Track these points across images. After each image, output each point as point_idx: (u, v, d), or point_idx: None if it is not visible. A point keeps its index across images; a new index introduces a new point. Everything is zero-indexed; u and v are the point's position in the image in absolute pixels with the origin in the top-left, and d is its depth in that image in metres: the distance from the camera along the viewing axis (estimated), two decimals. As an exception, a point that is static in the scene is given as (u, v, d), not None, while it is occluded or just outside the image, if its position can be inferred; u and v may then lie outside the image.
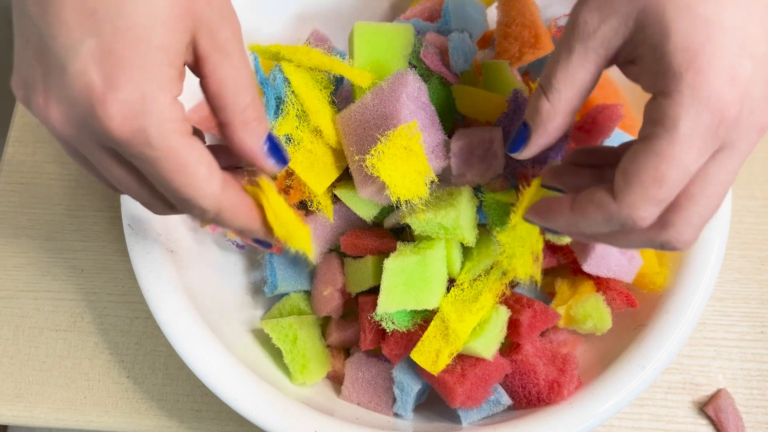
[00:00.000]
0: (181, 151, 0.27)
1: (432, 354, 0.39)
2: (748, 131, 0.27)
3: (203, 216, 0.30)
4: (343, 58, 0.48)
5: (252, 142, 0.31)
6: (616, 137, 0.44)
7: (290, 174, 0.43)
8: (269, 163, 0.32)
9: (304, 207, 0.44)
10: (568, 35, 0.30)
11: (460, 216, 0.39)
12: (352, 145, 0.41)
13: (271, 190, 0.33)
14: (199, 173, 0.28)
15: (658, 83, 0.27)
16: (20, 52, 0.27)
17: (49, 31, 0.25)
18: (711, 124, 0.26)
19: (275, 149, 0.32)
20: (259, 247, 0.36)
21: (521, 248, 0.39)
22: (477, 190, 0.43)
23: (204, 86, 0.29)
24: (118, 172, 0.29)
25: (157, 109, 0.26)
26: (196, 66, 0.29)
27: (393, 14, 0.54)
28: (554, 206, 0.32)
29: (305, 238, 0.36)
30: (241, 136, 0.30)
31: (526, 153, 0.33)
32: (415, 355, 0.40)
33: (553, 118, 0.31)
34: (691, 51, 0.26)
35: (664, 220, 0.29)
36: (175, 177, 0.27)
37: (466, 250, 0.42)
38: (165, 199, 0.30)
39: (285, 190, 0.43)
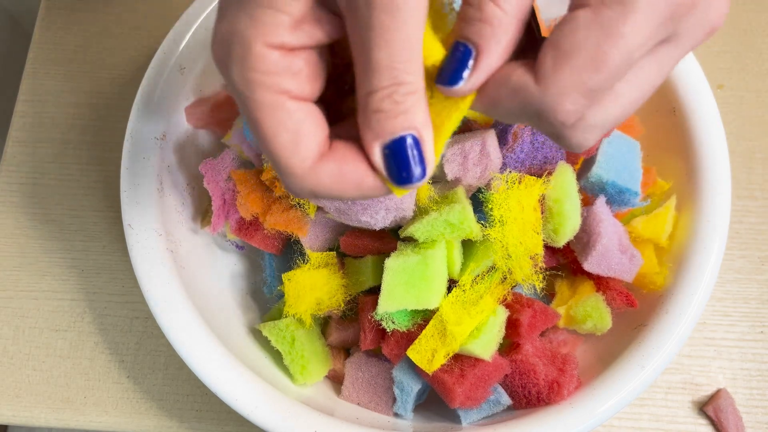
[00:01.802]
0: (261, 107, 0.24)
1: (428, 353, 0.39)
2: (696, 26, 0.24)
3: (302, 194, 0.26)
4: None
5: (368, 139, 0.24)
6: (614, 138, 0.44)
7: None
8: (383, 176, 0.25)
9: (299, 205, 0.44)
10: None
11: (466, 208, 0.39)
12: None
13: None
14: (279, 139, 0.24)
15: None
16: None
17: None
18: (667, 6, 0.23)
19: (400, 159, 0.24)
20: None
21: (517, 249, 0.39)
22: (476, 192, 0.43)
23: None
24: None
25: (240, 54, 0.23)
26: None
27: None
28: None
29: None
30: (360, 123, 0.25)
31: (473, 81, 0.24)
32: (412, 353, 0.40)
33: (509, 29, 0.24)
34: None
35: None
36: (256, 133, 0.25)
37: (466, 251, 0.42)
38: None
39: (272, 183, 0.43)
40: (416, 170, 0.25)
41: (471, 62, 0.24)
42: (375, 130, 0.24)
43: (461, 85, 0.24)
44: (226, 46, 0.24)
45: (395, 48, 0.23)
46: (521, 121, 0.26)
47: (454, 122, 0.26)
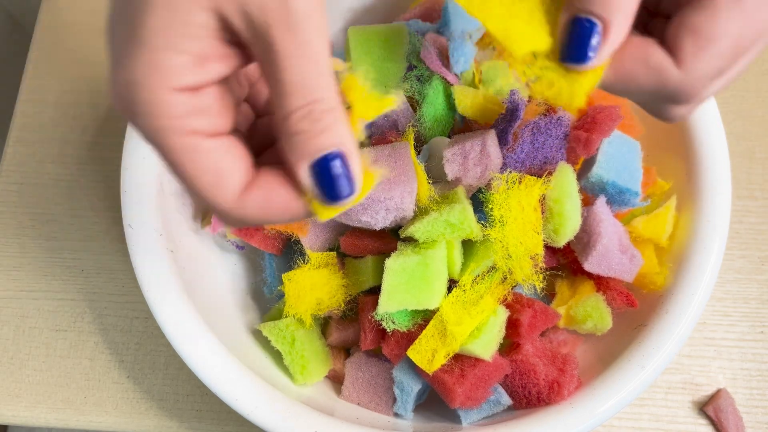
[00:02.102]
0: (177, 152, 0.23)
1: (428, 353, 0.39)
2: None
3: (229, 225, 0.26)
4: (343, 60, 0.48)
5: (292, 161, 0.24)
6: (615, 138, 0.44)
7: None
8: (312, 195, 0.24)
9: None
10: None
11: (466, 208, 0.39)
12: None
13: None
14: (200, 181, 0.24)
15: None
16: None
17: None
18: None
19: (327, 178, 0.24)
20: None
21: (517, 250, 0.39)
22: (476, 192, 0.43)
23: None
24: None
25: (144, 103, 0.22)
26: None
27: (393, 15, 0.54)
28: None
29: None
30: (283, 147, 0.24)
31: (602, 56, 0.24)
32: (412, 353, 0.40)
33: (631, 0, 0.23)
34: None
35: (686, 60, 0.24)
36: (177, 177, 0.24)
37: (466, 251, 0.42)
38: None
39: None
40: (345, 188, 0.24)
41: (597, 37, 0.23)
42: (298, 152, 0.23)
43: (592, 62, 0.24)
44: (129, 97, 0.23)
45: (304, 67, 0.22)
46: (646, 99, 0.25)
47: (584, 91, 0.25)
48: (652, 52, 0.24)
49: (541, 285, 0.40)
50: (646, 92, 0.24)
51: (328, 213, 0.25)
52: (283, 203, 0.25)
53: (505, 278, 0.42)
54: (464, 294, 0.40)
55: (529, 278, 0.40)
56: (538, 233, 0.40)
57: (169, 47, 0.22)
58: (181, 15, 0.22)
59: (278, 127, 0.24)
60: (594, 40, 0.23)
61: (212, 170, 0.24)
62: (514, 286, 0.44)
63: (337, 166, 0.23)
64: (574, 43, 0.24)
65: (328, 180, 0.24)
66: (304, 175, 0.24)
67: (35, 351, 0.50)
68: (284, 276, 0.43)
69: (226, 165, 0.24)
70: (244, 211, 0.24)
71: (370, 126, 0.45)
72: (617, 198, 0.44)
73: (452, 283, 0.41)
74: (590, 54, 0.24)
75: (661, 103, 0.25)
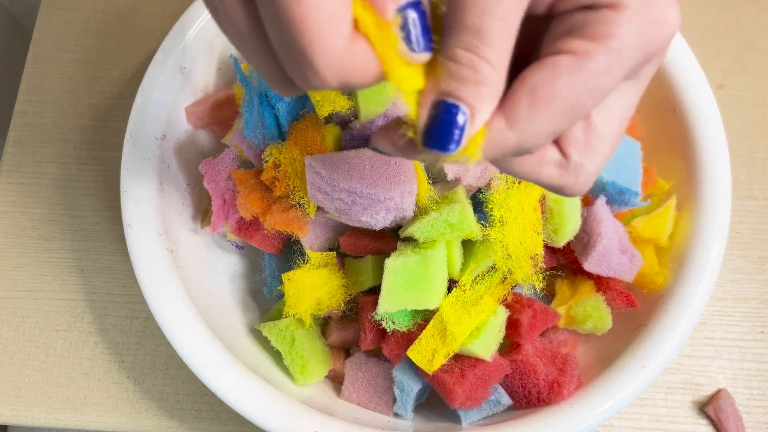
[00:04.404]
0: None
1: (428, 353, 0.39)
2: (655, 64, 0.24)
3: (324, 87, 0.22)
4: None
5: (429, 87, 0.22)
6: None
7: (277, 165, 0.43)
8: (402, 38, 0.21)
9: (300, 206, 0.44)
10: None
11: (466, 208, 0.39)
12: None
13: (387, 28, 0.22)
14: (320, 13, 0.19)
15: None
16: None
17: None
18: (646, 47, 0.22)
19: (444, 125, 0.22)
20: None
21: (517, 250, 0.39)
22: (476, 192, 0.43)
23: None
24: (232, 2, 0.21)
25: None
26: None
27: (393, 14, 0.54)
28: None
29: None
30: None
31: (464, 144, 0.23)
32: (412, 353, 0.40)
33: (499, 87, 0.22)
34: None
35: (576, 161, 0.24)
36: (285, 12, 0.20)
37: (466, 251, 0.42)
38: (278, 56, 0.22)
39: (272, 183, 0.43)
40: (452, 142, 0.22)
41: (463, 126, 0.22)
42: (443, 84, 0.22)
43: (453, 150, 0.22)
44: None
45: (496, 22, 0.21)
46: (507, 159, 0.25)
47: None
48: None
49: (541, 285, 0.40)
50: (493, 159, 0.24)
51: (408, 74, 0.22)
52: (376, 64, 0.21)
53: (505, 278, 0.42)
54: (464, 294, 0.40)
55: (529, 278, 0.40)
56: (537, 233, 0.40)
57: None
58: None
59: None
60: (460, 129, 0.22)
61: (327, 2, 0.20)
62: (514, 286, 0.44)
63: (459, 119, 0.22)
64: (437, 128, 0.22)
65: (422, 20, 0.22)
66: (393, 14, 0.21)
67: (35, 351, 0.50)
68: (284, 276, 0.43)
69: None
70: (354, 59, 0.21)
71: (371, 126, 0.45)
72: (617, 198, 0.44)
73: (452, 283, 0.41)
74: (455, 140, 0.22)
75: (519, 162, 0.25)
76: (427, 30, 0.22)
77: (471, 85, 0.22)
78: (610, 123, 0.24)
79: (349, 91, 0.46)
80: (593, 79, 0.22)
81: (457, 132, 0.22)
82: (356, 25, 0.21)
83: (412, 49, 0.21)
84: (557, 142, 0.25)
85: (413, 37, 0.21)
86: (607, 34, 0.22)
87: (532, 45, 0.25)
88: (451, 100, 0.22)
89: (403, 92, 0.22)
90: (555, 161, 0.25)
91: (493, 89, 0.22)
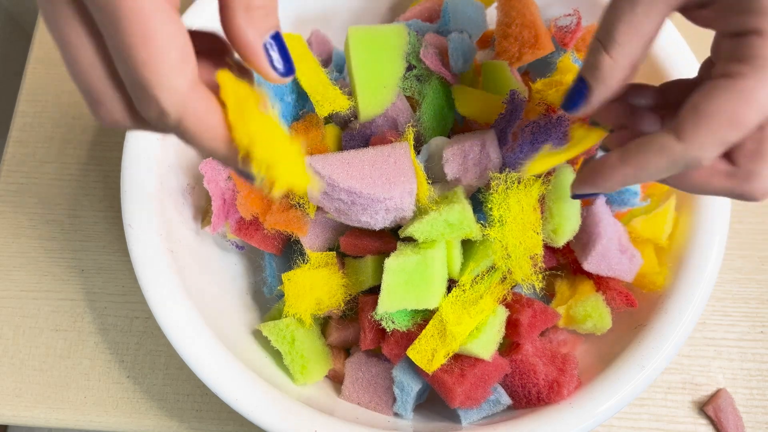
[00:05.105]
0: (150, 15, 0.21)
1: (428, 353, 0.39)
2: None
3: (160, 120, 0.23)
4: (343, 61, 0.48)
5: (253, 33, 0.25)
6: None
7: None
8: (268, 66, 0.25)
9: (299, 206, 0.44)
10: None
11: (465, 208, 0.39)
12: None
13: (250, 91, 0.25)
14: (166, 53, 0.22)
15: (745, 21, 0.26)
16: None
17: None
18: None
19: (282, 50, 0.26)
20: (243, 178, 0.28)
21: (517, 249, 0.39)
22: (476, 192, 0.43)
23: None
24: (76, 31, 0.23)
25: None
26: None
27: (393, 15, 0.54)
28: (603, 167, 0.30)
29: (298, 165, 0.25)
30: (239, 24, 0.24)
31: (587, 109, 0.31)
32: (412, 353, 0.40)
33: (615, 74, 0.29)
34: None
35: (747, 169, 0.28)
36: (135, 45, 0.21)
37: (466, 251, 0.42)
38: (120, 87, 0.24)
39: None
40: (290, 62, 0.26)
41: (585, 95, 0.31)
42: (261, 25, 0.25)
43: (577, 110, 0.31)
44: None
45: None
46: (669, 177, 0.30)
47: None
48: (654, 137, 0.28)
49: (541, 285, 0.40)
50: (663, 170, 0.28)
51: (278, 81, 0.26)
52: (218, 119, 0.24)
53: (505, 278, 0.42)
54: (464, 294, 0.40)
55: (529, 278, 0.40)
56: (537, 233, 0.40)
57: None
58: None
59: (233, 2, 0.24)
60: (581, 97, 0.31)
61: (181, 45, 0.22)
62: (514, 286, 0.44)
63: (284, 41, 0.26)
64: (569, 96, 0.31)
65: (285, 50, 0.26)
66: (267, 45, 0.25)
67: (35, 351, 0.50)
68: (284, 276, 0.43)
69: (190, 47, 0.23)
70: (195, 105, 0.23)
71: (371, 126, 0.45)
72: (617, 198, 0.44)
73: (452, 283, 0.41)
74: (579, 104, 0.31)
75: (682, 173, 0.29)
76: (287, 54, 0.26)
77: (593, 69, 0.30)
78: None
79: (349, 91, 0.46)
80: (747, 95, 0.26)
81: (581, 99, 0.31)
82: (218, 92, 0.24)
83: (275, 68, 0.25)
84: (730, 155, 0.28)
85: (275, 60, 0.25)
86: (755, 56, 0.26)
87: None
88: (581, 76, 0.31)
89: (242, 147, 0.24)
90: (724, 171, 0.28)
91: (610, 75, 0.29)
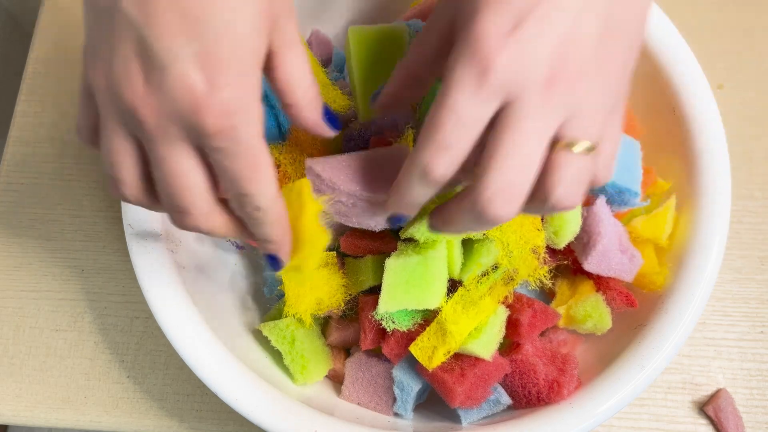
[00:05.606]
0: (259, 151, 0.30)
1: (428, 350, 0.40)
2: (529, 84, 0.28)
3: (255, 213, 0.32)
4: (343, 59, 0.48)
5: (315, 116, 0.35)
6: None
7: (277, 166, 0.43)
8: (328, 130, 0.36)
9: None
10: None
11: None
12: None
13: (310, 199, 0.35)
14: (268, 173, 0.31)
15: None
16: (114, 46, 0.28)
17: (151, 33, 0.27)
18: (478, 70, 0.28)
19: (332, 118, 0.36)
20: (268, 262, 0.37)
21: (518, 246, 0.39)
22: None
23: (271, 76, 0.33)
24: (185, 163, 0.30)
25: (249, 110, 0.29)
26: (266, 59, 0.31)
27: (393, 15, 0.54)
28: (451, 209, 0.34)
29: (318, 252, 0.36)
30: (306, 115, 0.35)
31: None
32: (413, 349, 0.40)
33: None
34: (472, 7, 0.28)
35: (476, 174, 0.30)
36: (247, 172, 0.30)
37: (466, 250, 0.42)
38: (209, 199, 0.32)
39: None
40: (337, 122, 0.36)
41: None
42: (318, 109, 0.35)
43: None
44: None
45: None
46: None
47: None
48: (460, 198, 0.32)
49: (548, 279, 0.40)
50: (415, 186, 0.32)
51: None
52: (287, 219, 0.34)
53: (511, 279, 0.42)
54: (468, 293, 0.40)
55: (536, 273, 0.40)
56: (538, 229, 0.40)
57: (256, 66, 0.29)
58: (262, 38, 0.29)
59: (300, 102, 0.34)
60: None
61: (272, 166, 0.31)
62: (516, 288, 0.44)
63: (330, 108, 0.36)
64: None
65: (334, 117, 0.36)
66: (324, 119, 0.36)
67: (35, 351, 0.50)
68: (284, 276, 0.43)
69: (272, 161, 0.31)
70: (275, 207, 0.32)
71: (371, 126, 0.45)
72: (617, 198, 0.44)
73: (452, 283, 0.41)
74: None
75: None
76: (334, 117, 0.36)
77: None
78: (492, 139, 0.30)
79: (349, 92, 0.46)
80: (440, 102, 0.29)
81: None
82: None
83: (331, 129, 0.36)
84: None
85: (331, 126, 0.36)
86: (444, 70, 0.30)
87: None
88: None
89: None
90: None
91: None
